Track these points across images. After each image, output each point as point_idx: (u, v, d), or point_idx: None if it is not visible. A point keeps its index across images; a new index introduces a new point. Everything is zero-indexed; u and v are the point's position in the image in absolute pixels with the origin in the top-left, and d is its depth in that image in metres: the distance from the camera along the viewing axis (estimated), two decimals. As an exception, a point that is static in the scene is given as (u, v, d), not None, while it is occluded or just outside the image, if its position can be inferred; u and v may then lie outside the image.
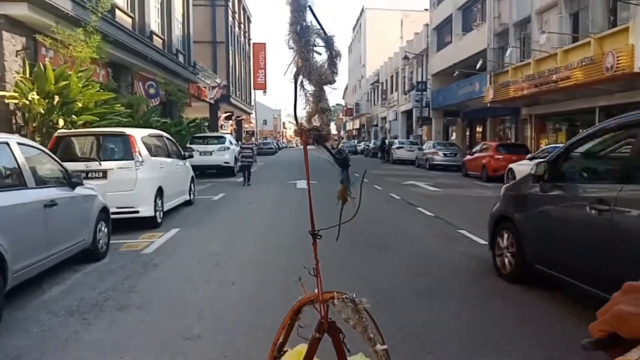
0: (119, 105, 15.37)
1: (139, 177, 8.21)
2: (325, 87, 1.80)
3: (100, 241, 6.35)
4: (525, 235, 5.31)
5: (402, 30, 66.38)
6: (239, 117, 56.00)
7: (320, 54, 1.77)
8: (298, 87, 1.80)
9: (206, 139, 20.74)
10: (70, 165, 7.91)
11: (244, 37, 55.46)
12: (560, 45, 20.63)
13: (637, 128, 4.29)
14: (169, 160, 9.98)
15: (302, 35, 1.70)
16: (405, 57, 38.36)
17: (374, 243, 7.63)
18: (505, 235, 5.64)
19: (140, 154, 8.31)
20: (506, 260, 5.57)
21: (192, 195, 11.56)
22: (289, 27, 1.71)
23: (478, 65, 25.42)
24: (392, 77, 53.92)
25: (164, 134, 10.55)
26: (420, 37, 41.53)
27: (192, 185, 11.62)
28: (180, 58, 27.64)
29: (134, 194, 8.17)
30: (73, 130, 10.05)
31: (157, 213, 8.70)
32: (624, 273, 3.55)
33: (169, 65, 23.90)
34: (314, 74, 1.74)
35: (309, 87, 1.80)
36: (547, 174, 5.06)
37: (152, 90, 21.59)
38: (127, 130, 8.59)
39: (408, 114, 47.34)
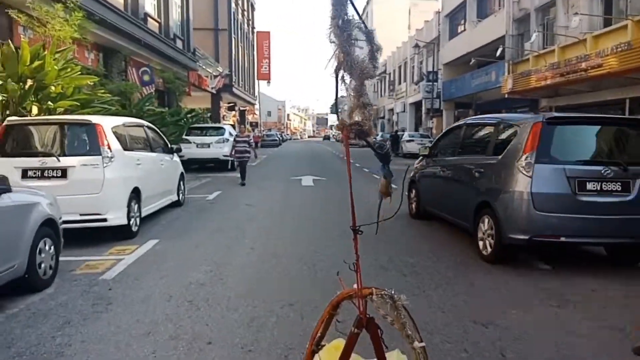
0: (102, 91, 13.73)
1: (107, 176, 6.62)
2: (366, 82, 1.79)
3: (42, 265, 4.76)
4: (420, 190, 8.87)
5: (409, 20, 64.58)
6: (242, 107, 54.36)
7: (361, 47, 1.76)
8: (339, 82, 1.80)
9: (204, 130, 19.14)
10: (23, 162, 6.38)
11: (248, 25, 53.68)
12: (590, 30, 18.86)
13: (467, 126, 7.82)
14: (151, 154, 8.38)
15: (344, 29, 1.71)
16: (416, 46, 36.55)
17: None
18: (413, 191, 9.16)
19: (109, 147, 6.72)
20: (412, 206, 9.16)
21: (181, 195, 9.99)
22: (330, 21, 1.71)
23: (498, 53, 23.68)
24: (400, 67, 52.11)
25: (146, 123, 8.93)
26: (430, 25, 39.67)
27: (181, 183, 10.05)
28: (179, 44, 26.00)
29: (100, 197, 6.59)
30: (27, 117, 8.45)
31: (132, 220, 7.13)
32: (458, 206, 7.11)
33: (165, 50, 22.27)
34: (355, 68, 1.74)
35: (350, 82, 1.78)
36: (428, 153, 8.81)
37: (146, 77, 19.99)
38: (94, 118, 6.99)
39: (417, 105, 45.58)
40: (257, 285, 5.00)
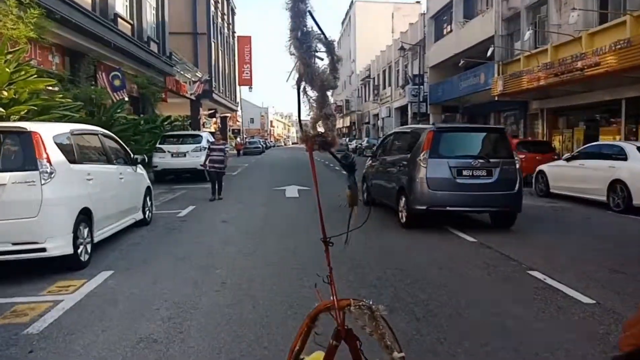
0: (60, 96, 12.45)
1: (46, 196, 5.36)
2: (328, 93, 1.76)
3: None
4: (368, 183, 11.15)
5: (393, 24, 64.02)
6: (223, 114, 53.03)
7: (322, 59, 1.75)
8: (301, 94, 1.77)
9: (179, 138, 17.84)
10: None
11: (228, 29, 52.46)
12: (585, 28, 18.05)
13: (395, 134, 10.98)
14: (107, 167, 7.12)
15: (304, 41, 1.69)
16: (402, 48, 35.69)
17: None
18: (364, 185, 11.31)
19: (49, 160, 5.46)
20: (364, 195, 11.28)
21: (148, 213, 8.74)
22: (289, 33, 1.69)
23: (489, 53, 22.81)
24: (384, 71, 51.29)
25: (101, 130, 7.63)
26: (415, 28, 38.88)
27: (147, 198, 8.80)
28: (154, 48, 24.70)
29: (37, 222, 5.33)
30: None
31: (81, 248, 5.87)
32: (388, 192, 9.44)
33: (138, 54, 20.98)
34: (316, 79, 1.72)
35: (312, 93, 1.77)
36: (372, 155, 11.68)
37: (117, 82, 18.65)
38: (31, 125, 5.71)
39: (402, 110, 44.72)
40: (227, 340, 3.79)
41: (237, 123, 67.80)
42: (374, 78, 55.31)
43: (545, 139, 22.46)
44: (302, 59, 1.70)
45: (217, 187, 12.29)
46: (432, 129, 8.44)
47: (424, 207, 8.03)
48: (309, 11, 1.68)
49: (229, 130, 56.24)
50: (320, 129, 1.83)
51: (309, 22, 1.70)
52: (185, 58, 35.93)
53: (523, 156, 16.30)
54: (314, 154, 1.83)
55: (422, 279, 5.44)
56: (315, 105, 1.79)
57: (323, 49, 1.77)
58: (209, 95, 40.59)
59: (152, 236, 7.75)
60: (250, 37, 58.82)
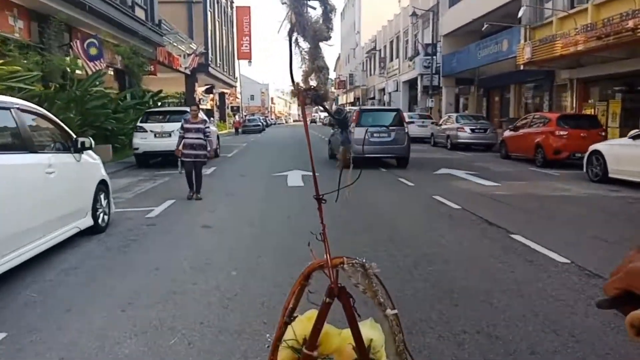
0: (8, 65, 10.11)
1: None
2: (321, 45, 1.70)
3: None
4: (331, 144, 15.63)
5: (399, -7, 60.73)
6: (221, 90, 50.35)
7: (314, 8, 1.68)
8: (293, 45, 1.69)
9: (164, 115, 15.40)
10: None
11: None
12: (637, -18, 15.42)
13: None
14: (20, 158, 4.79)
15: None
16: (414, 14, 32.79)
17: None
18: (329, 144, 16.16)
19: None
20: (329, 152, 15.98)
21: (102, 216, 6.46)
22: None
23: (521, 13, 20.19)
24: (391, 42, 48.40)
25: (16, 102, 5.18)
26: (426, -6, 35.94)
27: (102, 196, 6.50)
28: (141, 14, 22.09)
29: None
30: None
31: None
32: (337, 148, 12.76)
33: (120, 19, 18.42)
34: (308, 30, 1.65)
35: (304, 45, 1.69)
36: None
37: (93, 50, 16.19)
38: None
39: (411, 83, 42.08)
40: None
41: (237, 100, 64.99)
42: (380, 50, 52.40)
43: (579, 112, 19.98)
44: (294, 8, 1.62)
45: (194, 183, 8.95)
46: (357, 110, 15.42)
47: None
48: None
49: (228, 108, 53.62)
50: (313, 83, 1.73)
51: None
52: (178, 28, 33.23)
53: (565, 133, 13.93)
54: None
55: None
56: (307, 57, 1.70)
57: None
58: (205, 69, 37.97)
59: (99, 254, 5.41)
60: (249, 7, 55.63)
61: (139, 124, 14.74)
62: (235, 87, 58.55)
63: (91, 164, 6.38)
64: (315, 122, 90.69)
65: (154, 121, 14.90)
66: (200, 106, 41.10)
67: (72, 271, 4.83)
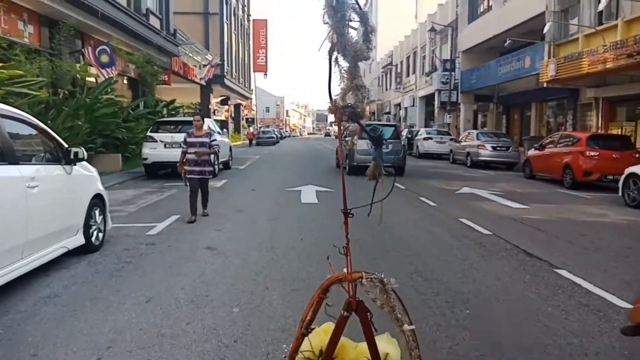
0: (9, 69, 9.68)
1: None
2: (360, 64, 1.72)
3: None
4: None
5: (417, 9, 60.40)
6: (236, 102, 50.12)
7: (355, 29, 1.72)
8: (332, 63, 1.73)
9: (175, 125, 14.88)
10: None
11: (243, 11, 49.38)
12: (671, -3, 14.72)
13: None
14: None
15: (338, 9, 1.67)
16: (432, 29, 32.23)
17: None
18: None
19: None
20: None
21: (96, 233, 5.86)
22: (324, 2, 1.66)
23: (546, 29, 19.48)
24: (408, 58, 47.89)
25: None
26: (445, 9, 35.46)
27: (96, 212, 5.90)
28: (155, 23, 21.79)
29: None
30: None
31: None
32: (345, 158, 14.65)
33: (134, 27, 18.08)
34: (349, 49, 1.69)
35: (344, 63, 1.73)
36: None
37: (104, 58, 15.82)
38: None
39: (427, 99, 41.44)
40: None
41: (252, 112, 64.81)
42: (396, 65, 51.92)
43: (607, 133, 19.14)
44: (336, 28, 1.66)
45: (195, 202, 7.91)
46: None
47: (355, 164, 14.46)
48: None
49: (243, 119, 53.35)
50: (350, 101, 1.76)
51: None
52: (194, 39, 33.02)
53: (596, 154, 13.13)
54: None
55: None
56: (346, 75, 1.73)
57: (357, 18, 1.72)
58: (220, 80, 37.76)
59: (83, 281, 4.76)
60: (266, 20, 55.59)
61: (148, 133, 14.24)
62: (251, 99, 58.37)
63: (85, 177, 5.78)
64: (329, 135, 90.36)
65: (164, 131, 14.39)
66: (215, 117, 40.84)
67: (52, 300, 4.20)
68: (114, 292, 4.42)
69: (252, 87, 57.67)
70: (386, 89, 57.95)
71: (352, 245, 1.93)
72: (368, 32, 1.75)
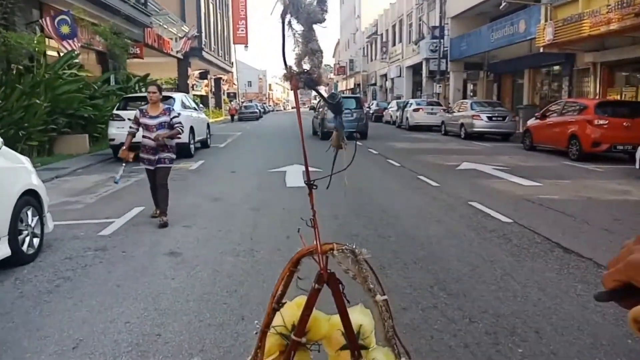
0: None
1: None
2: (315, 27, 1.66)
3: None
4: (315, 123, 20.78)
5: (401, -25, 58.46)
6: (216, 76, 48.24)
7: None
8: (286, 27, 1.64)
9: (145, 101, 13.50)
10: None
11: (220, -20, 47.08)
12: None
13: None
14: None
15: None
16: (420, -6, 30.72)
17: None
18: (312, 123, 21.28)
19: None
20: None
21: (29, 240, 4.61)
22: None
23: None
24: (394, 26, 46.29)
25: None
26: (432, -27, 33.85)
27: (28, 213, 4.66)
28: (123, -9, 20.03)
29: None
30: None
31: None
32: (317, 125, 20.23)
33: (97, -6, 16.43)
34: (302, 11, 1.61)
35: (298, 27, 1.65)
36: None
37: (64, 29, 14.26)
38: None
39: (415, 68, 40.11)
40: None
41: (234, 86, 62.81)
42: (381, 34, 50.26)
43: (617, 99, 18.11)
44: None
45: (157, 196, 6.30)
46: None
47: (326, 130, 15.68)
48: None
49: (224, 94, 51.53)
50: (306, 66, 1.68)
51: None
52: (171, 11, 31.08)
53: (605, 122, 12.10)
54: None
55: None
56: (300, 40, 1.65)
57: None
58: (198, 53, 35.96)
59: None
60: (245, -11, 53.27)
61: (115, 111, 12.86)
62: (232, 72, 56.41)
63: (9, 170, 4.53)
64: (314, 110, 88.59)
65: (133, 108, 12.99)
66: (194, 92, 39.10)
67: None
68: (32, 332, 3.24)
69: (233, 60, 55.64)
70: (371, 60, 56.37)
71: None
72: None
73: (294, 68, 1.68)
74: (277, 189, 8.46)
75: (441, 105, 24.97)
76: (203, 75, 41.35)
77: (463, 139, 18.72)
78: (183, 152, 13.18)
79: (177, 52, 31.84)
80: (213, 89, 48.00)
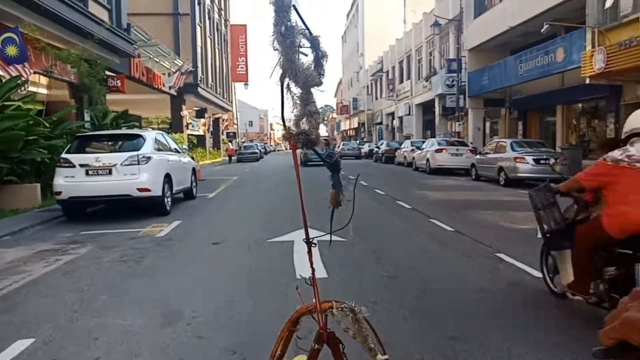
0: None
1: None
2: (313, 90, 1.73)
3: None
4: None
5: (405, 14, 56.88)
6: (215, 114, 45.52)
7: (306, 55, 1.69)
8: (284, 90, 1.71)
9: (103, 141, 10.35)
10: None
11: (219, 15, 44.96)
12: None
13: None
14: None
15: (287, 36, 1.65)
16: (436, 24, 28.13)
17: None
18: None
19: None
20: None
21: None
22: (273, 28, 1.64)
23: (608, 4, 15.35)
24: (400, 62, 44.02)
25: None
26: (444, 5, 31.47)
27: None
28: (102, 14, 17.25)
29: None
30: None
31: None
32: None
33: (60, 10, 13.51)
34: (300, 76, 1.68)
35: (296, 90, 1.71)
36: None
37: (11, 50, 11.33)
38: None
39: (425, 106, 37.48)
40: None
41: (234, 125, 60.18)
42: (387, 71, 48.00)
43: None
44: (286, 55, 1.63)
45: None
46: None
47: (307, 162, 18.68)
48: (294, 5, 1.60)
49: (222, 133, 48.71)
50: (304, 127, 1.72)
51: (294, 16, 1.61)
52: (166, 45, 28.47)
53: None
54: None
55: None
56: (299, 102, 1.71)
57: (308, 44, 1.69)
58: (193, 89, 33.31)
59: None
60: (245, 25, 51.22)
61: (63, 155, 9.65)
62: (232, 111, 53.83)
63: None
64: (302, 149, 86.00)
65: (87, 151, 9.83)
66: (191, 132, 36.15)
67: None
68: None
69: (232, 99, 53.14)
70: (377, 98, 53.97)
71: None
72: (319, 57, 1.67)
73: (293, 128, 1.70)
74: (281, 284, 5.14)
75: (467, 145, 21.85)
76: (200, 114, 38.60)
77: (503, 186, 15.51)
78: (155, 208, 9.96)
79: (170, 87, 29.12)
80: (211, 129, 45.25)
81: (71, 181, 9.32)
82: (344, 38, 78.61)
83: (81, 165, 9.32)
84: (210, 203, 12.52)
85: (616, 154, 3.80)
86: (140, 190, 9.35)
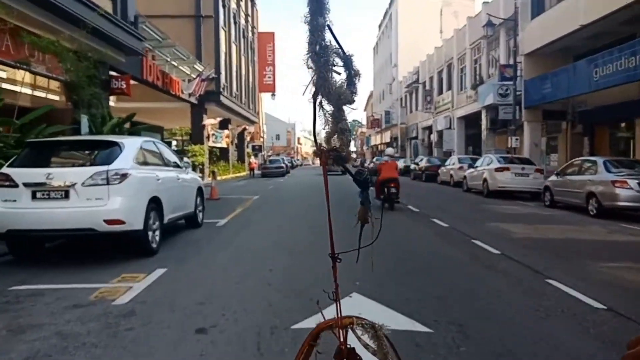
0: None
1: None
2: (345, 108, 1.74)
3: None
4: None
5: (441, 22, 53.77)
6: (240, 126, 42.91)
7: (339, 73, 1.72)
8: (317, 108, 1.73)
9: (63, 149, 7.36)
10: None
11: (246, 21, 42.52)
12: None
13: None
14: None
15: (321, 54, 1.67)
16: (489, 24, 24.80)
17: None
18: None
19: None
20: None
21: None
22: (307, 47, 1.67)
23: None
24: (440, 72, 40.75)
25: None
26: (495, 4, 28.17)
27: None
28: (106, 5, 14.57)
29: None
30: None
31: None
32: None
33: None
34: (333, 94, 1.70)
35: (328, 108, 1.73)
36: None
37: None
38: None
39: (468, 119, 34.04)
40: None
41: (261, 139, 57.59)
42: (424, 82, 44.72)
43: None
44: (320, 73, 1.66)
45: None
46: None
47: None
48: (328, 25, 1.63)
49: (247, 146, 46.03)
50: (335, 144, 1.75)
51: (328, 36, 1.64)
52: (187, 50, 25.92)
53: None
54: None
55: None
56: (331, 119, 1.74)
57: (341, 63, 1.71)
58: (215, 97, 30.64)
59: None
60: (273, 33, 48.72)
61: (3, 169, 6.72)
62: (258, 123, 51.24)
63: None
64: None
65: (38, 164, 6.87)
66: (213, 144, 33.50)
67: None
68: None
69: (258, 110, 50.55)
70: (411, 111, 50.67)
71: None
72: (352, 76, 1.70)
73: (324, 145, 1.72)
74: None
75: (533, 164, 18.35)
76: (223, 125, 35.96)
77: (595, 217, 12.06)
78: (135, 245, 6.97)
79: (190, 94, 26.52)
80: (236, 141, 42.67)
81: (12, 207, 6.40)
82: (375, 49, 75.81)
83: (26, 185, 6.39)
84: (217, 235, 9.45)
85: None
86: (108, 222, 6.36)
